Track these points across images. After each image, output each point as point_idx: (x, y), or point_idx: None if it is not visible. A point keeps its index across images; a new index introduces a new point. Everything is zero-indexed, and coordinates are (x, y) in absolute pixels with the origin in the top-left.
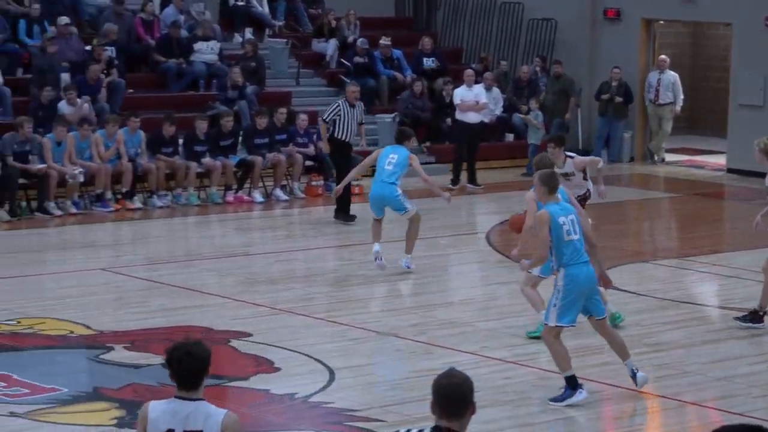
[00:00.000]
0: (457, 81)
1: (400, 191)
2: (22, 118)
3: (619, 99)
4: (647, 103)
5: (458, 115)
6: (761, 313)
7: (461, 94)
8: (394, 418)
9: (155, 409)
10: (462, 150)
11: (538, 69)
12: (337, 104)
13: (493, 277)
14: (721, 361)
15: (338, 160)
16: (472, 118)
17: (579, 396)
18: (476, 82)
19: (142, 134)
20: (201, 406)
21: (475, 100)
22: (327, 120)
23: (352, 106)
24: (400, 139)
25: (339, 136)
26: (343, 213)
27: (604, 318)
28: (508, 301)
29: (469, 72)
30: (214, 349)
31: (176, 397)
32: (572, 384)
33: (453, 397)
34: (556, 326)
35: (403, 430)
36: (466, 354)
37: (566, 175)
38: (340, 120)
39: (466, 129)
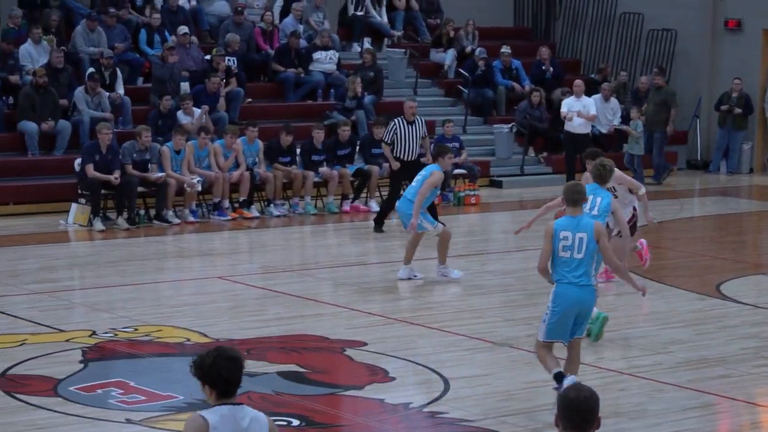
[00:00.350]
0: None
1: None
2: (141, 127)
3: (738, 110)
4: (767, 115)
5: (567, 126)
6: None
7: (569, 105)
8: (509, 429)
9: (213, 417)
10: (572, 161)
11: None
12: (393, 123)
13: (611, 288)
14: None
15: (401, 181)
16: (579, 128)
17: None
18: (595, 93)
19: (260, 144)
20: (248, 411)
21: (583, 111)
22: (387, 141)
23: (410, 123)
24: (435, 155)
25: (400, 156)
26: (379, 224)
27: (581, 337)
28: (626, 312)
29: (578, 83)
30: (329, 358)
31: (223, 404)
32: (559, 379)
33: (580, 410)
34: (544, 342)
35: None
36: (582, 365)
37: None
38: (398, 139)
39: (574, 140)
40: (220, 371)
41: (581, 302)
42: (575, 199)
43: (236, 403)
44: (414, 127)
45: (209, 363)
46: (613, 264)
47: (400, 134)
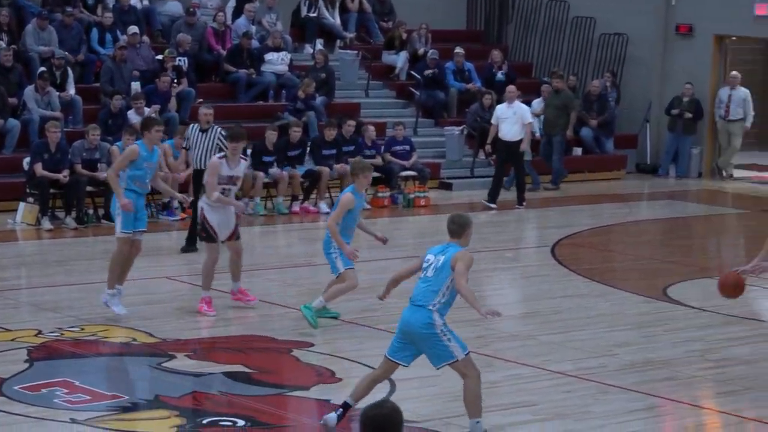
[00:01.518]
0: (528, 94)
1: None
2: (89, 126)
3: (689, 114)
4: (717, 119)
5: (499, 132)
6: None
7: (501, 111)
8: (455, 430)
9: None
10: (501, 167)
11: (608, 84)
12: (188, 129)
13: (558, 291)
14: None
15: (196, 189)
16: (510, 135)
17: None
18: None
19: None
20: None
21: (514, 117)
22: (185, 146)
23: (203, 130)
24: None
25: (194, 163)
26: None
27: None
28: (572, 314)
29: (510, 88)
30: (276, 358)
31: None
32: (342, 407)
33: (382, 427)
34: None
35: None
36: (528, 367)
37: (232, 179)
38: (191, 146)
39: (504, 146)
40: None
41: (407, 323)
42: (450, 229)
43: None
44: (207, 135)
45: None
46: (464, 288)
47: (193, 141)
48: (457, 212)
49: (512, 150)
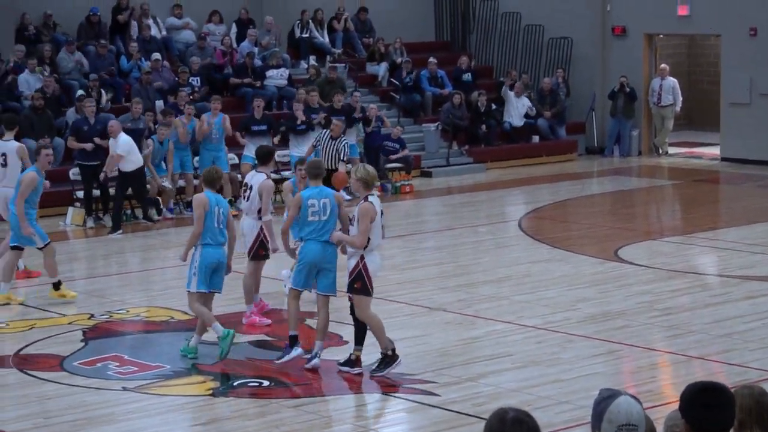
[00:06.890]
0: (491, 92)
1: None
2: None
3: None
4: (651, 106)
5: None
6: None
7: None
8: (445, 379)
9: None
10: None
11: (559, 80)
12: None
13: (525, 258)
14: (721, 321)
15: None
16: (129, 167)
17: (294, 352)
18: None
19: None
20: None
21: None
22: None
23: (333, 138)
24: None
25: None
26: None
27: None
28: (539, 277)
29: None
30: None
31: None
32: (292, 342)
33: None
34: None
35: None
36: (504, 323)
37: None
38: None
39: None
40: None
41: (322, 255)
42: (315, 174)
43: None
44: (336, 141)
45: None
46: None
47: (323, 143)
48: (314, 159)
49: (131, 179)
